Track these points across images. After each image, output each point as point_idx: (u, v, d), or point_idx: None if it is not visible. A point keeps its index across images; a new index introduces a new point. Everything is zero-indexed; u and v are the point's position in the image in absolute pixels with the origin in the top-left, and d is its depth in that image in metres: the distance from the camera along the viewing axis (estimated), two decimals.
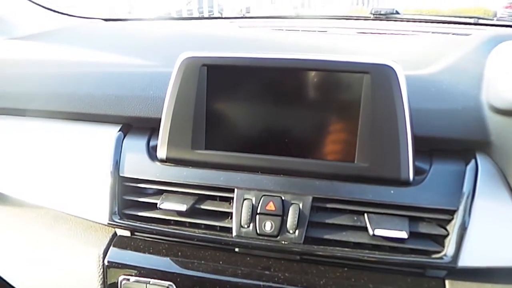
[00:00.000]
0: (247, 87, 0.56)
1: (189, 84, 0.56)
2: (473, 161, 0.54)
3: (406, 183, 0.52)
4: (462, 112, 0.55)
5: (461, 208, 0.51)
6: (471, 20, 1.04)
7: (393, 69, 0.51)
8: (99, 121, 0.67)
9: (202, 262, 0.57)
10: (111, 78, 0.68)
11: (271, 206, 0.54)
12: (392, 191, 0.52)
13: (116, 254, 0.60)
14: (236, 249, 0.58)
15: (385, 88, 0.51)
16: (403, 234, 0.50)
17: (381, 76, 0.51)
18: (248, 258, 0.57)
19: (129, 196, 0.61)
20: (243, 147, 0.56)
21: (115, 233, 0.63)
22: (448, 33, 0.91)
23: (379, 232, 0.51)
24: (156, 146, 0.59)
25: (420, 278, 0.53)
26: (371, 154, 0.52)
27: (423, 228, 0.52)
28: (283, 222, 0.54)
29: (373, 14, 1.15)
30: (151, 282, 0.56)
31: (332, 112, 0.54)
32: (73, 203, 0.64)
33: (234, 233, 0.55)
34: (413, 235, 0.51)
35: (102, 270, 0.59)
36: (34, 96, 0.70)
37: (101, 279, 0.59)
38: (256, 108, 0.56)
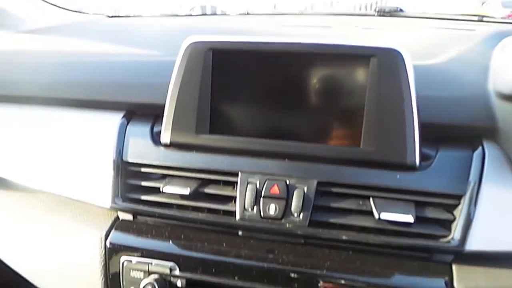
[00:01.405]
0: (253, 72, 0.55)
1: (194, 69, 0.56)
2: (480, 147, 0.53)
3: (412, 167, 0.52)
4: (469, 99, 0.55)
5: (468, 193, 0.50)
6: (475, 18, 1.04)
7: (400, 53, 0.51)
8: (103, 108, 0.67)
9: (205, 244, 0.56)
10: (115, 66, 0.68)
11: (275, 190, 0.54)
12: (398, 176, 0.52)
13: (118, 237, 0.59)
14: (240, 233, 0.57)
15: (392, 72, 0.51)
16: (409, 218, 0.49)
17: (388, 60, 0.51)
18: (252, 241, 0.56)
19: (132, 181, 0.60)
20: (248, 131, 0.56)
21: (117, 217, 0.63)
22: (453, 29, 0.91)
23: (385, 216, 0.50)
24: (160, 132, 0.59)
25: (426, 263, 0.52)
26: (377, 138, 0.52)
27: (430, 213, 0.51)
28: (288, 206, 0.53)
29: (377, 12, 1.16)
30: (153, 263, 0.56)
31: (338, 96, 0.53)
32: (75, 188, 0.64)
33: (237, 217, 0.54)
34: (419, 219, 0.50)
35: (104, 252, 0.58)
36: (39, 84, 0.70)
37: (103, 260, 0.59)
38: (261, 93, 0.55)
